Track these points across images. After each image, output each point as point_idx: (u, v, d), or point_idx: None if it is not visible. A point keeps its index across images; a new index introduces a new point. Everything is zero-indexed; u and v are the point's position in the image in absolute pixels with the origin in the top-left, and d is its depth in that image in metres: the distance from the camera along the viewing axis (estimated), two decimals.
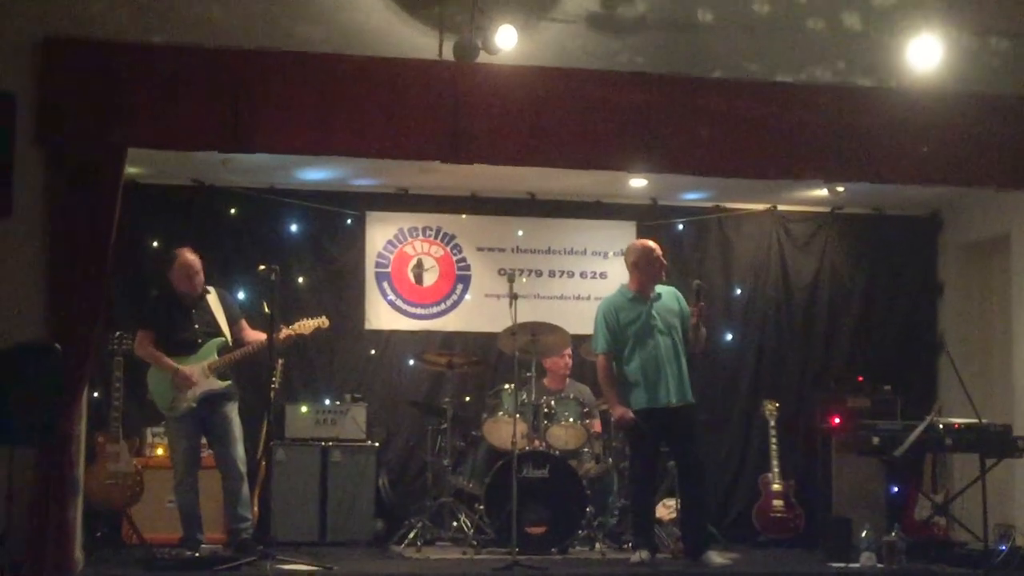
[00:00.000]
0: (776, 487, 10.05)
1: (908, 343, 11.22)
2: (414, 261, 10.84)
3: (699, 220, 11.07)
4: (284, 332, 8.60)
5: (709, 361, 10.39)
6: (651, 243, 8.85)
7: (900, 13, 8.40)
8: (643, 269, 8.62)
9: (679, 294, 8.74)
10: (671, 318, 8.58)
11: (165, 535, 8.95)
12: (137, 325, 8.80)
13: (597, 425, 9.80)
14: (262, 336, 8.57)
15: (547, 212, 11.06)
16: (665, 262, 8.81)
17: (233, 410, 8.53)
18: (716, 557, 8.33)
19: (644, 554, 8.30)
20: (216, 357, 8.50)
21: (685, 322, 8.59)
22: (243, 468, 8.47)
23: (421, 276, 10.84)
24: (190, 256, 8.66)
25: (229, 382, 8.50)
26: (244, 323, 8.81)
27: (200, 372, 8.42)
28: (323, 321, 8.87)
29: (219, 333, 8.59)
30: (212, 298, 8.66)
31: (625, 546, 9.30)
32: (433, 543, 9.23)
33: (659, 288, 8.68)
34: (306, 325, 8.73)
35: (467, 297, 10.88)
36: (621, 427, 8.69)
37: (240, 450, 8.48)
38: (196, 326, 8.58)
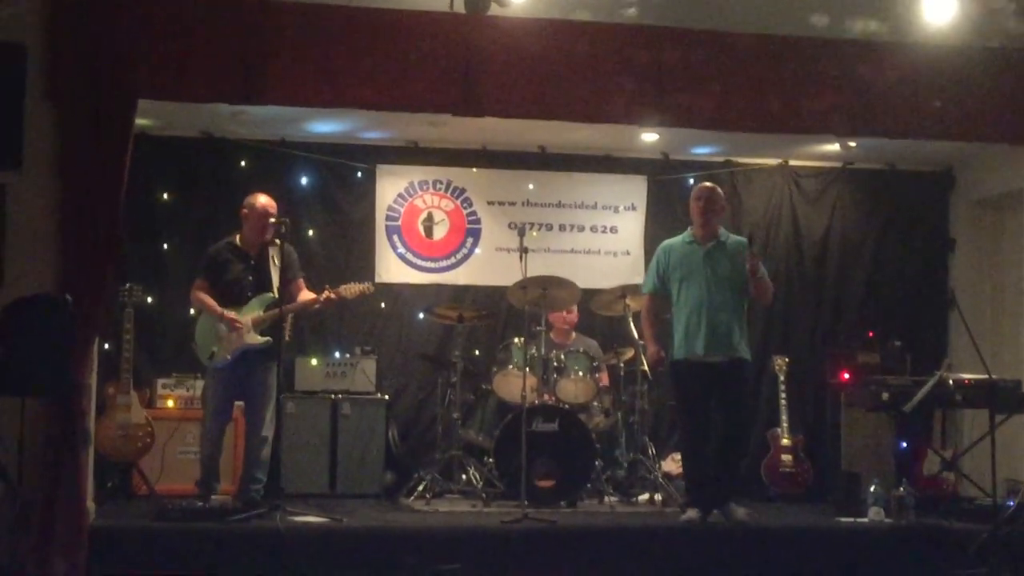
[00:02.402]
0: (785, 442, 10.06)
1: (919, 299, 11.22)
2: (424, 214, 10.84)
3: (710, 175, 11.02)
4: (326, 294, 8.61)
5: None
6: (703, 186, 8.68)
7: None
8: (694, 213, 8.44)
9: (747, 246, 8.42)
10: (728, 269, 8.32)
11: (175, 486, 9.02)
12: (194, 273, 8.79)
13: (606, 379, 9.81)
14: (310, 297, 8.61)
15: (558, 166, 11.04)
16: (719, 207, 8.57)
17: (271, 372, 8.44)
18: (739, 510, 8.24)
19: (694, 513, 8.17)
20: (262, 313, 8.48)
21: (747, 276, 8.30)
22: (268, 432, 8.44)
23: (431, 229, 10.84)
24: (263, 201, 8.60)
25: (270, 339, 8.40)
26: (301, 282, 8.74)
27: (244, 326, 8.40)
28: (368, 287, 8.83)
29: (270, 288, 8.52)
30: (275, 250, 8.53)
31: (633, 499, 9.36)
32: (442, 496, 9.27)
33: (726, 237, 8.48)
34: (351, 289, 8.68)
35: (477, 251, 10.88)
36: (653, 367, 8.59)
37: (269, 413, 8.44)
38: (250, 278, 8.54)
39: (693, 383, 8.29)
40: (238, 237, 8.60)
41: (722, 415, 8.34)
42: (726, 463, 8.43)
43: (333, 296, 8.65)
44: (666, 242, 8.65)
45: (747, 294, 8.39)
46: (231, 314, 8.38)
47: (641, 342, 9.22)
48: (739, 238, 8.59)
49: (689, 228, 8.57)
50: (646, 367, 9.21)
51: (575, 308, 10.04)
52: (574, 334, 10.19)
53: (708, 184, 8.79)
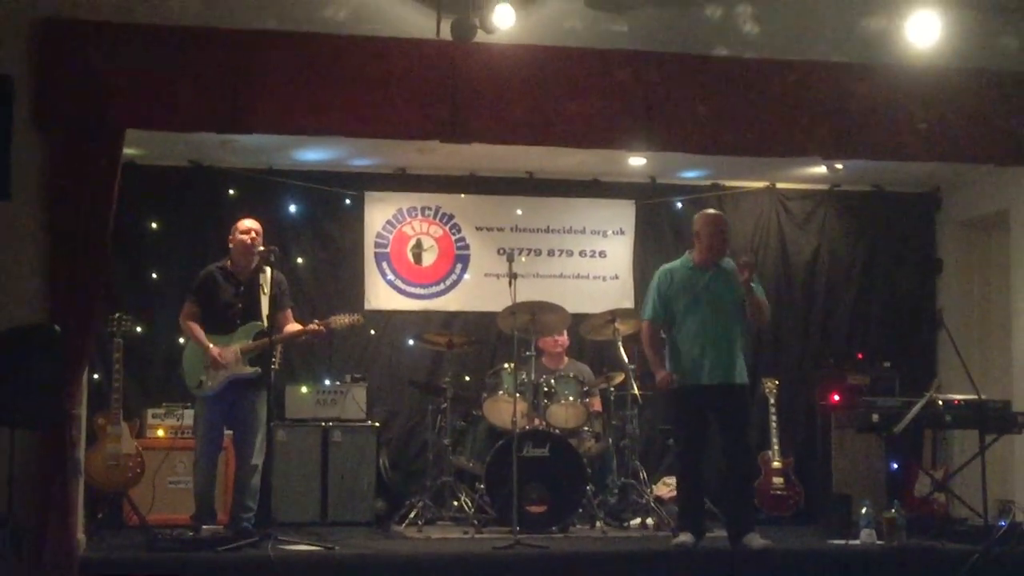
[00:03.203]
0: (776, 464, 10.06)
1: (907, 320, 11.26)
2: (413, 241, 10.86)
3: (698, 198, 11.06)
4: (314, 325, 8.59)
5: None
6: (719, 214, 8.63)
7: None
8: (704, 240, 8.30)
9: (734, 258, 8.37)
10: (731, 296, 8.24)
11: (166, 516, 8.98)
12: (186, 295, 8.71)
13: (597, 403, 9.81)
14: (298, 328, 8.59)
15: (546, 191, 11.06)
16: (728, 236, 8.48)
17: (260, 400, 8.37)
18: (757, 539, 8.07)
19: (687, 537, 8.09)
20: (250, 342, 8.44)
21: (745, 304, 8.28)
22: (258, 460, 8.38)
23: (420, 256, 10.85)
24: (246, 224, 8.58)
25: (258, 369, 8.36)
26: (290, 313, 8.70)
27: (232, 355, 8.37)
28: (358, 318, 8.82)
29: (259, 316, 8.45)
30: (265, 278, 8.49)
31: (625, 524, 9.35)
32: (434, 522, 9.25)
33: (725, 263, 8.35)
34: (340, 320, 8.66)
35: (466, 277, 10.89)
36: (661, 389, 8.36)
37: (259, 441, 8.37)
38: (240, 305, 8.49)
39: (695, 408, 8.21)
40: (229, 262, 8.59)
41: (728, 441, 8.28)
42: (743, 491, 8.46)
43: (322, 328, 8.62)
44: (665, 267, 8.53)
45: (746, 319, 8.35)
46: (215, 351, 8.33)
47: (631, 366, 9.24)
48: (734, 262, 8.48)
49: (688, 253, 8.46)
50: (636, 391, 9.22)
51: (566, 332, 10.03)
52: (566, 359, 10.18)
53: (717, 212, 8.77)
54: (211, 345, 8.34)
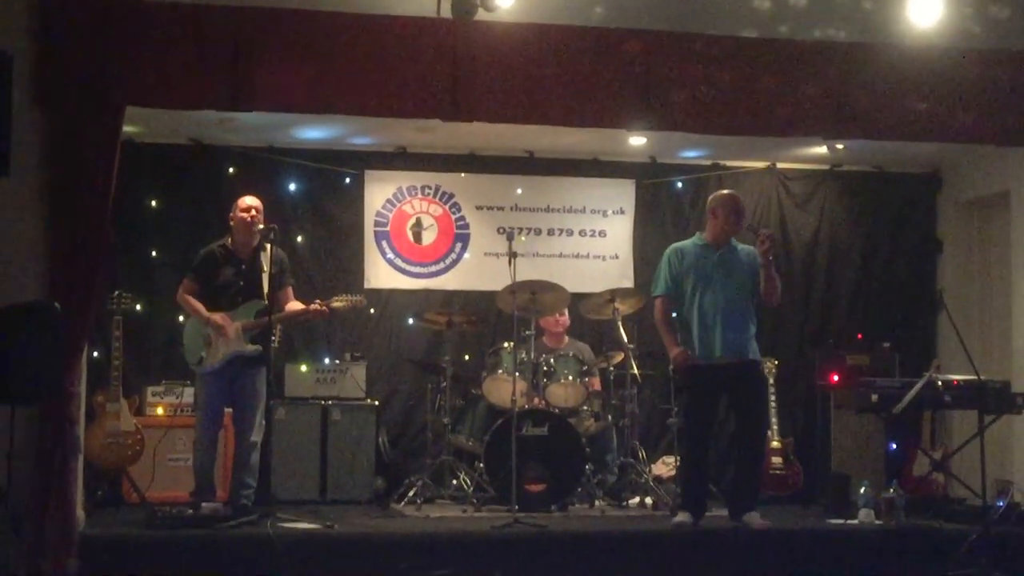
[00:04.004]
0: (775, 444, 10.06)
1: (907, 300, 11.26)
2: (413, 220, 10.85)
3: (698, 178, 11.06)
4: (316, 306, 8.58)
5: None
6: (735, 194, 8.63)
7: None
8: (720, 218, 8.31)
9: (756, 254, 8.35)
10: (740, 274, 8.28)
11: (165, 493, 9.01)
12: (185, 272, 8.71)
13: (596, 383, 9.81)
14: (299, 307, 8.60)
15: (546, 170, 11.05)
16: (745, 218, 8.54)
17: (260, 377, 8.37)
18: (757, 519, 8.14)
19: (685, 516, 8.13)
20: (251, 320, 8.41)
21: (756, 283, 8.28)
22: (257, 437, 8.38)
23: (420, 235, 10.85)
24: (247, 202, 8.56)
25: (259, 347, 8.34)
26: (291, 291, 8.70)
27: (233, 331, 8.37)
28: (360, 300, 8.79)
29: (260, 294, 8.43)
30: (266, 255, 8.47)
31: (624, 503, 9.36)
32: (433, 501, 9.29)
33: (737, 244, 8.41)
34: (342, 301, 8.64)
35: (466, 256, 10.89)
36: (678, 367, 8.32)
37: (258, 418, 8.38)
38: (241, 283, 8.48)
39: (706, 387, 8.23)
40: (230, 240, 8.58)
41: (741, 418, 8.38)
42: (751, 469, 8.49)
43: (324, 309, 8.61)
44: (675, 245, 8.53)
45: (756, 298, 8.34)
46: (218, 317, 8.34)
47: (631, 345, 9.25)
48: (747, 246, 8.46)
49: (699, 233, 8.52)
50: (635, 371, 9.24)
51: (567, 312, 10.03)
52: (566, 338, 10.19)
53: (734, 192, 8.75)
54: (209, 315, 8.34)
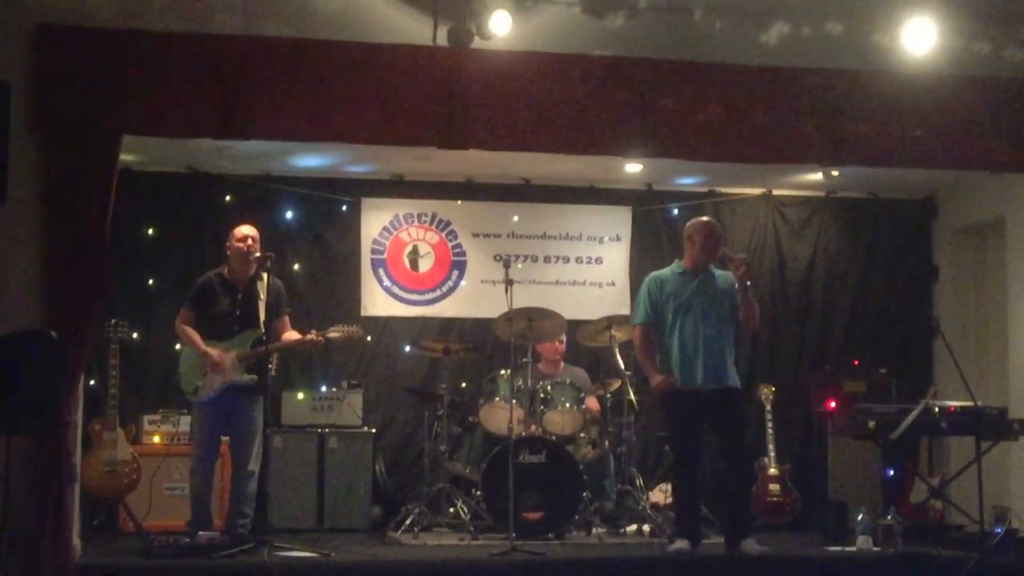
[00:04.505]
0: (772, 471, 10.04)
1: (903, 327, 11.27)
2: (409, 247, 10.86)
3: (694, 205, 11.07)
4: (312, 336, 8.57)
5: None
6: (711, 221, 8.68)
7: None
8: (697, 245, 8.34)
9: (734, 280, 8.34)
10: (720, 301, 8.29)
11: (162, 522, 8.98)
12: (182, 301, 8.70)
13: (594, 403, 9.74)
14: (296, 336, 8.59)
15: (542, 197, 11.08)
16: (722, 244, 8.50)
17: (257, 407, 8.39)
18: (754, 545, 8.10)
19: (683, 543, 8.10)
20: (247, 350, 8.40)
21: (735, 309, 8.29)
22: (254, 466, 8.38)
23: (417, 262, 10.86)
24: (244, 231, 8.55)
25: (255, 376, 8.34)
26: (287, 320, 8.70)
27: (229, 361, 8.35)
28: (356, 330, 8.79)
29: (257, 324, 8.43)
30: (262, 284, 8.47)
31: (622, 530, 9.34)
32: (430, 529, 9.25)
33: (715, 270, 8.42)
34: (338, 332, 8.64)
35: (463, 283, 10.90)
36: (661, 394, 8.31)
37: (255, 448, 8.38)
38: (237, 312, 8.47)
39: (689, 413, 8.22)
40: (226, 269, 8.58)
41: (725, 445, 8.30)
42: (740, 496, 8.49)
43: (320, 339, 8.61)
44: (654, 274, 8.58)
45: (736, 324, 8.36)
46: (213, 352, 8.33)
47: (628, 372, 9.25)
48: (724, 272, 8.45)
49: (677, 260, 8.56)
50: (632, 397, 9.23)
51: (564, 338, 10.03)
52: (562, 364, 10.18)
53: (710, 219, 8.82)
54: (208, 348, 8.34)
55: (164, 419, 9.68)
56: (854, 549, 8.52)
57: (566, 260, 11.09)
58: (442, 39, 7.71)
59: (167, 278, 10.15)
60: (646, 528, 9.34)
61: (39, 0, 7.49)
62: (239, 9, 7.66)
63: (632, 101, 8.10)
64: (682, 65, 8.21)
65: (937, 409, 8.69)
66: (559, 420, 9.45)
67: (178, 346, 8.91)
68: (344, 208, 10.74)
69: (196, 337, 8.40)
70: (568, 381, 9.71)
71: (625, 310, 10.66)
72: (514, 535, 8.20)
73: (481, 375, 10.14)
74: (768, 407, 10.21)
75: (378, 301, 10.75)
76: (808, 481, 10.28)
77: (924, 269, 11.39)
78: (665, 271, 8.57)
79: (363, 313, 10.54)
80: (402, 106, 7.84)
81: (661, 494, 9.93)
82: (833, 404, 10.29)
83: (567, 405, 9.49)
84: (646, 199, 11.17)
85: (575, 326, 9.87)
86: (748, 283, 8.22)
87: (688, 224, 8.61)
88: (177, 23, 7.66)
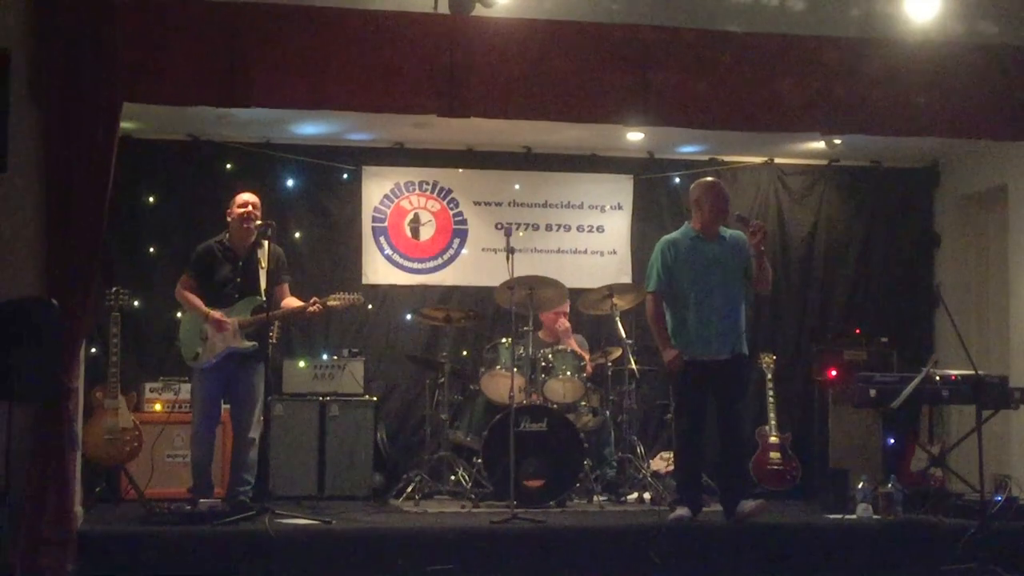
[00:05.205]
0: (773, 439, 10.08)
1: (905, 295, 11.27)
2: (411, 215, 10.85)
3: (696, 173, 11.02)
4: (313, 304, 8.54)
5: None
6: (716, 180, 8.58)
7: None
8: (706, 207, 8.19)
9: (747, 241, 8.21)
10: (733, 264, 8.16)
11: (163, 490, 8.99)
12: (183, 267, 8.69)
13: (589, 368, 9.72)
14: (296, 304, 8.58)
15: (544, 166, 11.05)
16: (729, 201, 8.38)
17: (258, 374, 8.39)
18: (749, 503, 8.08)
19: (684, 511, 8.08)
20: (248, 316, 8.41)
21: (749, 270, 8.18)
22: (255, 433, 8.37)
23: (418, 230, 10.85)
24: (244, 198, 8.54)
25: (256, 343, 8.33)
26: (286, 287, 8.68)
27: (230, 328, 8.35)
28: (357, 298, 8.75)
29: (257, 291, 8.43)
30: (263, 252, 8.45)
31: (622, 498, 9.36)
32: (431, 497, 9.28)
33: (726, 232, 8.28)
34: (338, 300, 8.63)
35: (464, 251, 10.89)
36: (672, 371, 8.18)
37: (256, 415, 8.37)
38: (238, 279, 8.46)
39: (698, 383, 8.13)
40: (227, 237, 8.56)
41: (723, 411, 8.21)
42: (738, 461, 8.50)
43: (321, 307, 8.59)
44: (667, 237, 8.38)
45: (747, 287, 8.29)
46: (217, 314, 8.33)
47: (629, 341, 9.24)
48: (736, 232, 8.34)
49: (687, 223, 8.40)
50: (633, 366, 9.22)
51: (567, 316, 10.01)
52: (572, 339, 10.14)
53: (714, 179, 8.73)
54: (208, 310, 8.33)
55: (165, 387, 9.68)
56: (854, 517, 8.53)
57: (567, 228, 11.07)
58: (443, 6, 7.68)
59: (168, 246, 10.14)
60: (647, 496, 9.36)
61: None
62: None
63: (632, 69, 8.08)
64: (682, 33, 8.18)
65: (938, 378, 8.67)
66: (560, 388, 9.46)
67: (179, 313, 8.90)
68: (345, 176, 10.72)
69: (197, 300, 8.39)
70: (569, 349, 9.71)
71: (626, 278, 10.66)
72: (515, 503, 8.21)
73: (482, 343, 10.16)
74: (769, 376, 10.24)
75: (379, 269, 10.75)
76: (809, 450, 10.31)
77: (926, 237, 11.38)
78: (677, 234, 8.37)
79: (364, 281, 10.54)
80: (403, 74, 7.82)
81: (662, 462, 9.94)
82: (834, 373, 10.30)
83: (568, 373, 9.50)
84: (648, 167, 11.15)
85: (576, 294, 9.87)
86: (763, 249, 8.14)
87: (692, 187, 8.45)
88: None
